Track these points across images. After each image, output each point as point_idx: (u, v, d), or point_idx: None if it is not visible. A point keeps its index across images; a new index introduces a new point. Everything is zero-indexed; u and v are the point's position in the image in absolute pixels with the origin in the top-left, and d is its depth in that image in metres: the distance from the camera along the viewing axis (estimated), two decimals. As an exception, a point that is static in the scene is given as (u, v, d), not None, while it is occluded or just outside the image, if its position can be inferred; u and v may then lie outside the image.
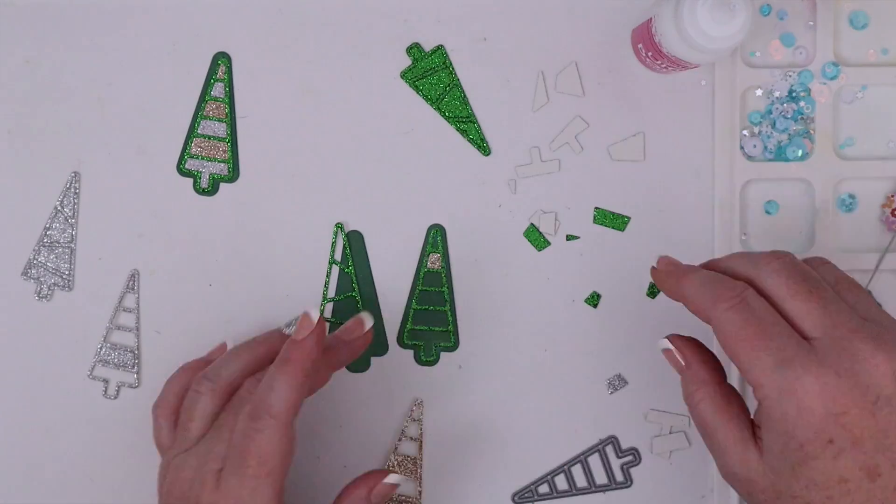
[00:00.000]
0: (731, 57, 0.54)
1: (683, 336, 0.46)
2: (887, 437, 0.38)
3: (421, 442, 0.54)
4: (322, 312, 0.49)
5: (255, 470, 0.43)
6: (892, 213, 0.55)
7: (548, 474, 0.55)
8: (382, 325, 0.55)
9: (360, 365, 0.55)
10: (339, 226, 0.54)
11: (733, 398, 0.43)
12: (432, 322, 0.55)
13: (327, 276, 0.54)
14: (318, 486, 0.55)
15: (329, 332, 0.54)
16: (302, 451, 0.55)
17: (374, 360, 0.55)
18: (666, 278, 0.45)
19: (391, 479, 0.47)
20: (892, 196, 0.55)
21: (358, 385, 0.55)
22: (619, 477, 0.55)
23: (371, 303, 0.55)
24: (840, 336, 0.39)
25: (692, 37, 0.44)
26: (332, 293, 0.55)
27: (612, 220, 0.55)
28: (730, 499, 0.55)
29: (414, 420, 0.54)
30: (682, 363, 0.45)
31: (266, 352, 0.49)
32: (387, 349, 0.55)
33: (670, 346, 0.45)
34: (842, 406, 0.38)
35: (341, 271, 0.54)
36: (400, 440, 0.54)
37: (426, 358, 0.55)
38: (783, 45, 0.55)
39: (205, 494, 0.44)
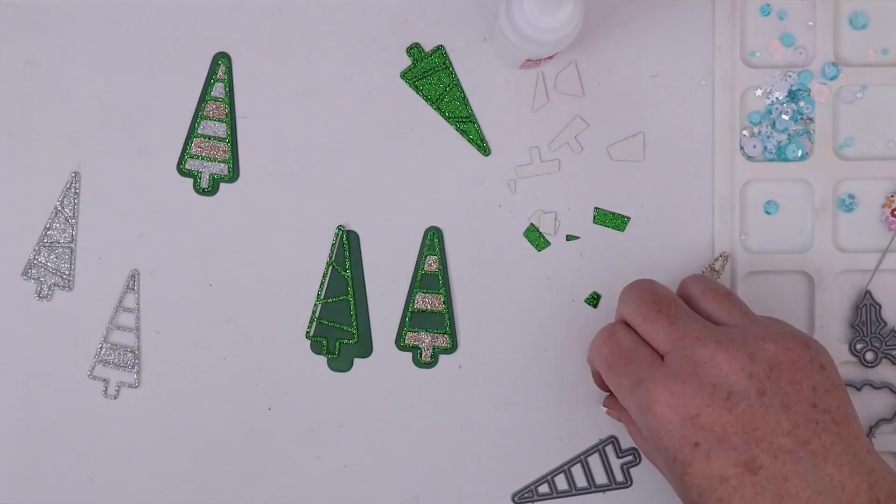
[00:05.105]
0: (731, 57, 0.54)
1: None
2: (756, 429, 0.39)
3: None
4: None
5: None
6: (893, 213, 0.55)
7: (548, 474, 0.55)
8: (369, 326, 0.55)
9: (350, 366, 0.55)
10: (341, 227, 0.54)
11: None
12: (430, 325, 0.54)
13: (323, 277, 0.54)
14: (318, 486, 0.55)
15: (318, 325, 0.54)
16: (302, 450, 0.55)
17: (373, 360, 0.55)
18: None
19: None
20: (893, 196, 0.55)
21: (358, 385, 0.55)
22: (619, 477, 0.55)
23: (361, 305, 0.55)
24: (684, 346, 0.41)
25: (521, 28, 0.46)
26: (325, 295, 0.54)
27: (612, 220, 0.55)
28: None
29: None
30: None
31: None
32: (371, 351, 0.55)
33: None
34: (694, 408, 0.40)
35: (337, 273, 0.54)
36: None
37: (423, 361, 0.55)
38: (783, 45, 0.55)
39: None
